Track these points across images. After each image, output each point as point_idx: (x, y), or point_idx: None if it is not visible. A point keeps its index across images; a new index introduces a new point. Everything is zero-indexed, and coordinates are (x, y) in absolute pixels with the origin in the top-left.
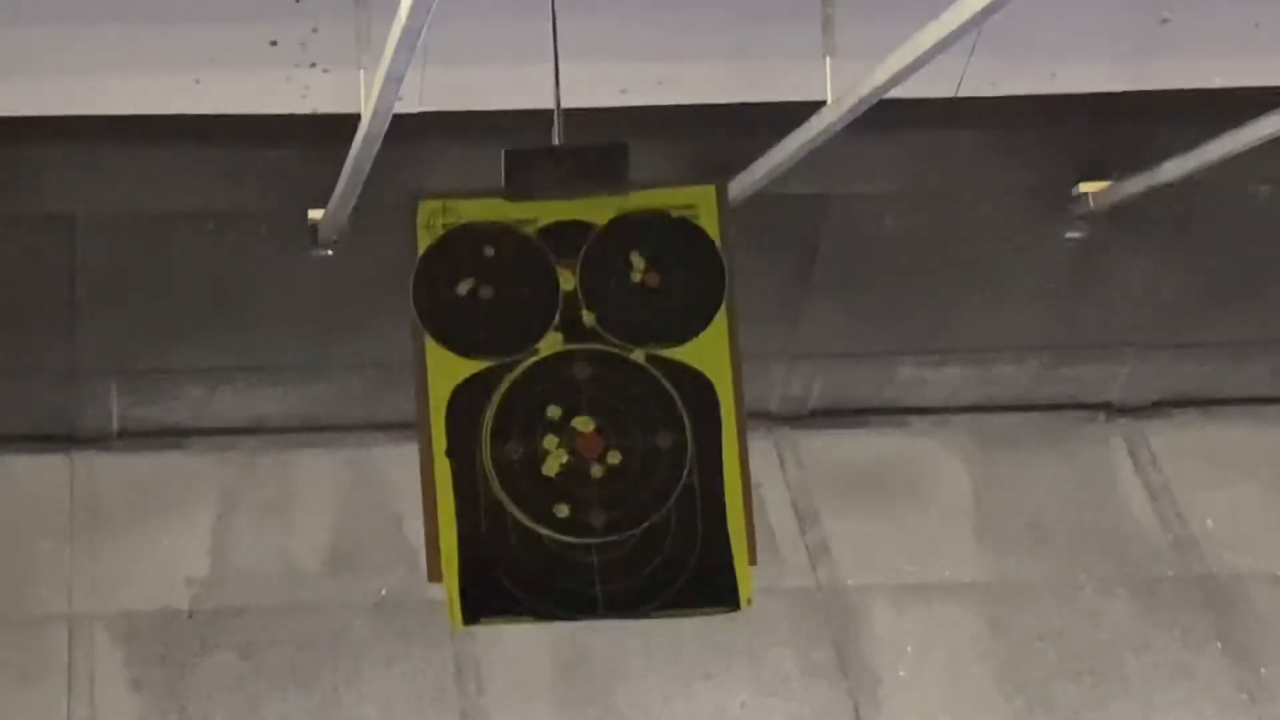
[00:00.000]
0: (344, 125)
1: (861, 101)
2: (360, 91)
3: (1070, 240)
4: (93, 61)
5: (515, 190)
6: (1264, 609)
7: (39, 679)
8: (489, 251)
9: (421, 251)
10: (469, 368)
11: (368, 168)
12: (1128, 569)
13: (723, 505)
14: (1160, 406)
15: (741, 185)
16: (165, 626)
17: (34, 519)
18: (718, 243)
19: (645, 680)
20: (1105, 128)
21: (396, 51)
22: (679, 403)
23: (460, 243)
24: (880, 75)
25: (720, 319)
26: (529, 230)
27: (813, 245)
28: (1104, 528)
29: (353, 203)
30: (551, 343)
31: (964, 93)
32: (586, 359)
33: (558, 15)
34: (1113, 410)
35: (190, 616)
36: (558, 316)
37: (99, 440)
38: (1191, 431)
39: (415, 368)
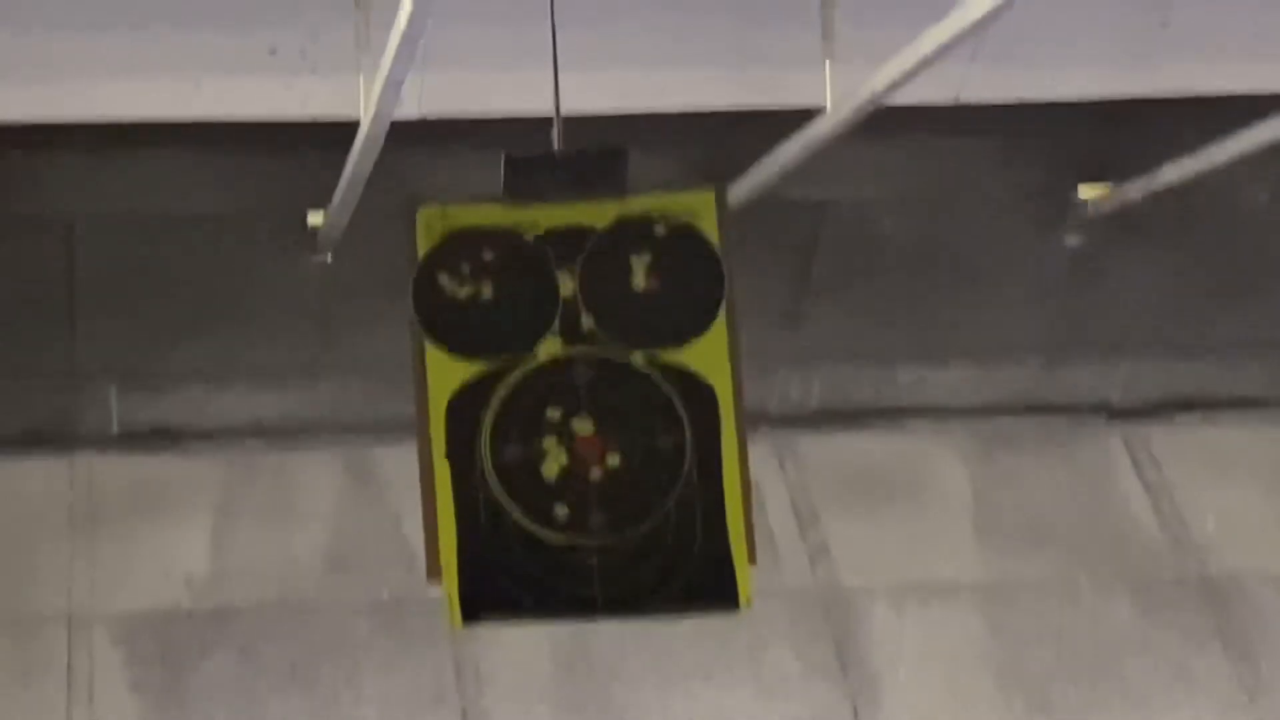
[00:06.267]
0: (343, 131)
1: (861, 107)
2: (360, 97)
3: (1070, 244)
4: (93, 67)
5: (515, 195)
6: (1264, 609)
7: (39, 680)
8: (489, 256)
9: (421, 256)
10: (469, 371)
11: (367, 173)
12: (1127, 570)
13: (722, 507)
14: (1160, 409)
15: (741, 190)
16: (165, 627)
17: (34, 520)
18: (717, 247)
19: (644, 680)
20: (1105, 133)
21: (396, 58)
22: (678, 406)
23: (460, 247)
24: (880, 81)
25: (719, 323)
26: (529, 235)
27: (812, 249)
28: (1104, 529)
29: (352, 207)
30: (551, 346)
31: (964, 98)
32: (586, 363)
33: (557, 22)
34: (1112, 412)
35: (189, 617)
36: (557, 320)
37: (99, 442)
38: (1191, 433)
39: (415, 371)
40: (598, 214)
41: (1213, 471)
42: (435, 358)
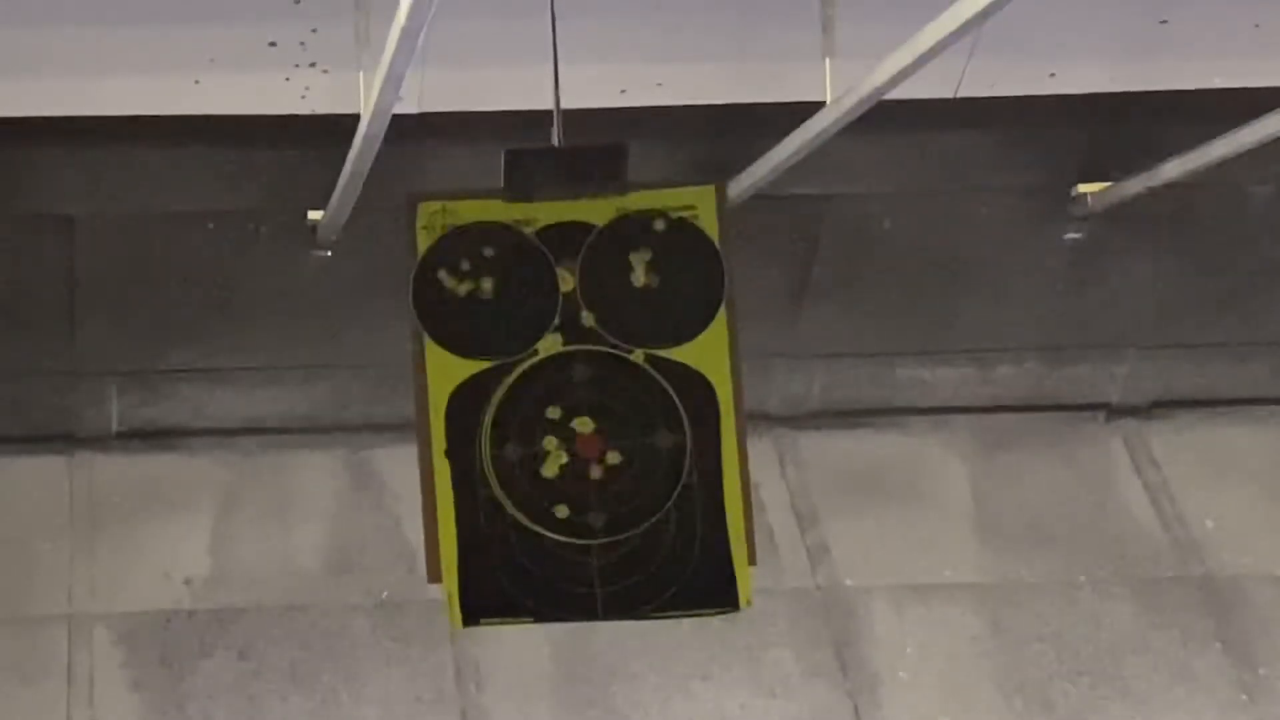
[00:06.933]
0: (343, 126)
1: (861, 102)
2: (360, 92)
3: (1069, 241)
4: (93, 62)
5: (515, 191)
6: (1263, 610)
7: (38, 680)
8: (488, 252)
9: (421, 252)
10: (468, 368)
11: (367, 168)
12: (1127, 570)
13: (722, 506)
14: (1160, 407)
15: (741, 186)
16: (165, 627)
17: (33, 520)
18: (717, 243)
19: (644, 681)
20: (1104, 128)
21: (396, 52)
22: (678, 403)
23: (460, 243)
24: (879, 76)
25: (720, 319)
26: (528, 231)
27: (812, 246)
28: (1103, 528)
29: (352, 203)
30: (551, 343)
31: (963, 93)
32: (586, 360)
33: (557, 16)
34: (1112, 411)
35: (190, 617)
36: (557, 317)
37: (98, 441)
38: (1191, 432)
39: (415, 368)
40: (598, 210)
41: (1213, 471)
42: (435, 355)
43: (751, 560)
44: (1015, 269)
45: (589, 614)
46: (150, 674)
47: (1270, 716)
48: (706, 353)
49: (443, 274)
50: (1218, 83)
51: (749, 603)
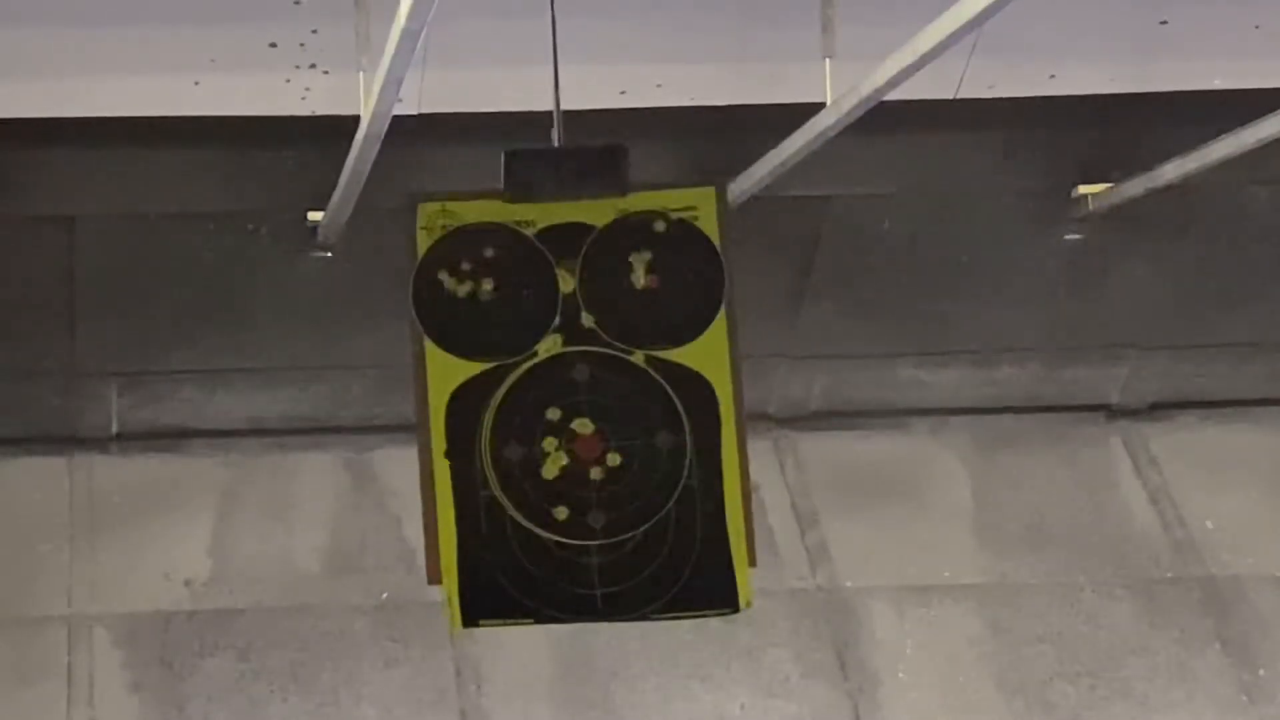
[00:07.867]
0: (344, 127)
1: (861, 103)
2: (360, 93)
3: (1070, 242)
4: (93, 63)
5: (515, 192)
6: (1263, 610)
7: (39, 680)
8: (489, 253)
9: (421, 253)
10: (469, 370)
11: (367, 169)
12: (1127, 570)
13: (722, 507)
14: (1160, 408)
15: (741, 187)
16: (164, 628)
17: (34, 521)
18: (717, 244)
19: (644, 681)
20: (1104, 130)
21: (396, 53)
22: (678, 405)
23: (460, 244)
24: (880, 77)
25: (719, 321)
26: (529, 232)
27: (812, 247)
28: (1104, 529)
29: (352, 204)
30: (551, 344)
31: (963, 94)
32: (586, 361)
33: (557, 17)
34: (1112, 412)
35: (190, 617)
36: (557, 318)
37: (98, 442)
38: (1191, 433)
39: (415, 370)
40: (598, 210)
41: (1213, 471)
42: (435, 357)
43: (751, 561)
44: (1015, 269)
45: (589, 615)
46: (150, 674)
47: (1269, 717)
48: (706, 354)
49: (443, 275)
50: (1218, 83)
51: (749, 604)
